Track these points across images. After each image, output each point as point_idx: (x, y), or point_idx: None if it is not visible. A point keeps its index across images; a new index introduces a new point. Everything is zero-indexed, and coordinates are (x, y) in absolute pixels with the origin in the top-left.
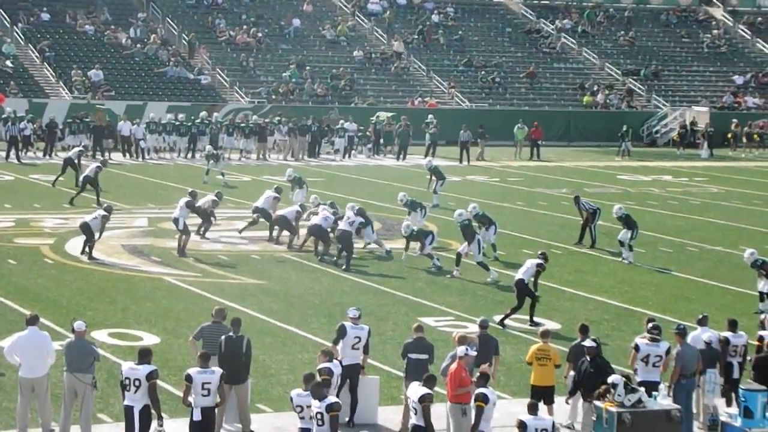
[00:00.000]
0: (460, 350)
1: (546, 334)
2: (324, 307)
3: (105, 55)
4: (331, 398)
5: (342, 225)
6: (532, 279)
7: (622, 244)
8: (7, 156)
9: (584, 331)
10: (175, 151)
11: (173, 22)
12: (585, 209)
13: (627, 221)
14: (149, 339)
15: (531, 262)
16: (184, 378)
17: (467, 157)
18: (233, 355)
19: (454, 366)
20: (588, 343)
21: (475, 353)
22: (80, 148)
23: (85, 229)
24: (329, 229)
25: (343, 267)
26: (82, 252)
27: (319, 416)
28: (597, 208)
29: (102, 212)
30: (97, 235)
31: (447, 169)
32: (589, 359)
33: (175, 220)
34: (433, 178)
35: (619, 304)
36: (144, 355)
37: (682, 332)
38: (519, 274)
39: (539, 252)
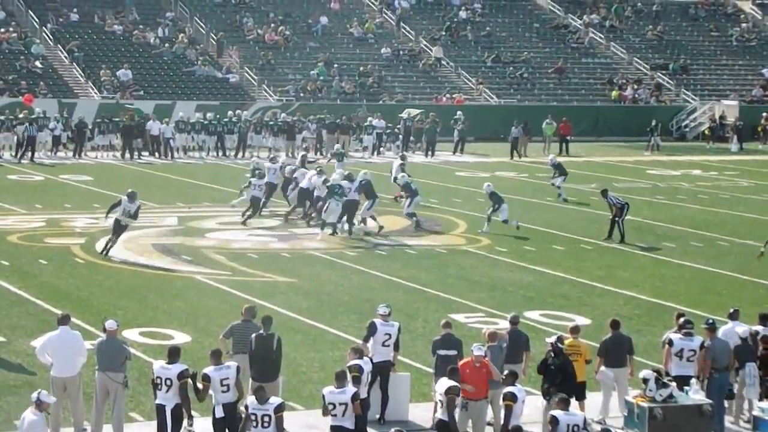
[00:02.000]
0: (474, 347)
1: (576, 330)
2: (354, 305)
3: (134, 55)
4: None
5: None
6: None
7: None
8: (21, 156)
9: (615, 326)
10: (204, 150)
11: (201, 21)
12: (613, 204)
13: (494, 198)
14: (180, 338)
15: None
16: (202, 378)
17: (519, 152)
18: (263, 352)
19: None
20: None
21: (481, 352)
22: None
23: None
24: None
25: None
26: (105, 251)
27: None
28: (625, 203)
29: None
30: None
31: (493, 165)
32: (553, 355)
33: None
34: (556, 173)
35: (650, 298)
36: (174, 354)
37: (711, 327)
38: None
39: None
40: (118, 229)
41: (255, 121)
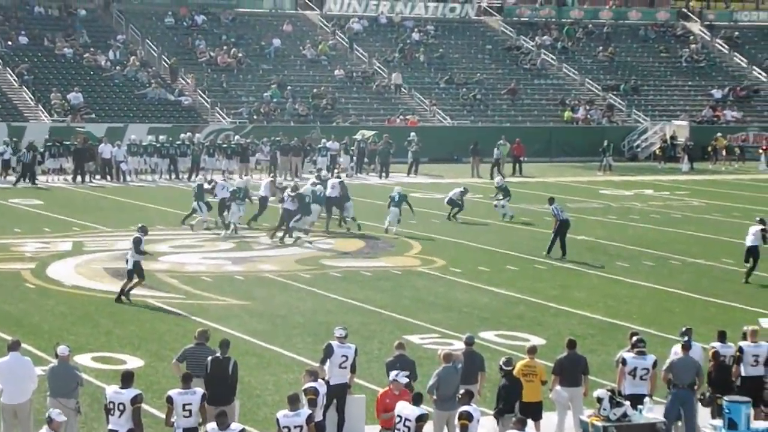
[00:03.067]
0: (391, 375)
1: (532, 350)
2: (309, 327)
3: (84, 78)
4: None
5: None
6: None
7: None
8: None
9: (572, 345)
10: (156, 173)
11: (153, 43)
12: (554, 214)
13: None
14: (133, 362)
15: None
16: (166, 400)
17: (501, 172)
18: (220, 376)
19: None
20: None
21: (405, 380)
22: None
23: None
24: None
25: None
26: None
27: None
28: (565, 219)
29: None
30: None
31: (448, 186)
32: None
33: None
34: (499, 194)
35: (603, 318)
36: (127, 379)
37: (687, 345)
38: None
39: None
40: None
41: (208, 144)
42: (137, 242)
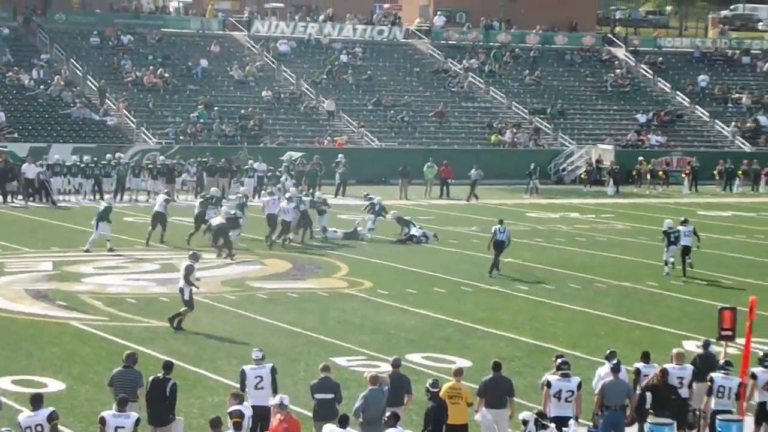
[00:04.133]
0: (275, 400)
1: (459, 373)
2: (235, 349)
3: (7, 97)
4: None
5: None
6: None
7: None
8: None
9: (497, 368)
10: (80, 194)
11: (78, 63)
12: (493, 232)
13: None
14: (54, 385)
15: None
16: (99, 421)
17: (474, 195)
18: (158, 396)
19: (275, 421)
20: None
21: (287, 405)
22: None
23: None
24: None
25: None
26: (177, 323)
27: None
28: (502, 240)
29: (187, 262)
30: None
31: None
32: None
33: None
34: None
35: (530, 340)
36: (37, 401)
37: (616, 367)
38: None
39: None
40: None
41: (133, 164)
42: (190, 270)
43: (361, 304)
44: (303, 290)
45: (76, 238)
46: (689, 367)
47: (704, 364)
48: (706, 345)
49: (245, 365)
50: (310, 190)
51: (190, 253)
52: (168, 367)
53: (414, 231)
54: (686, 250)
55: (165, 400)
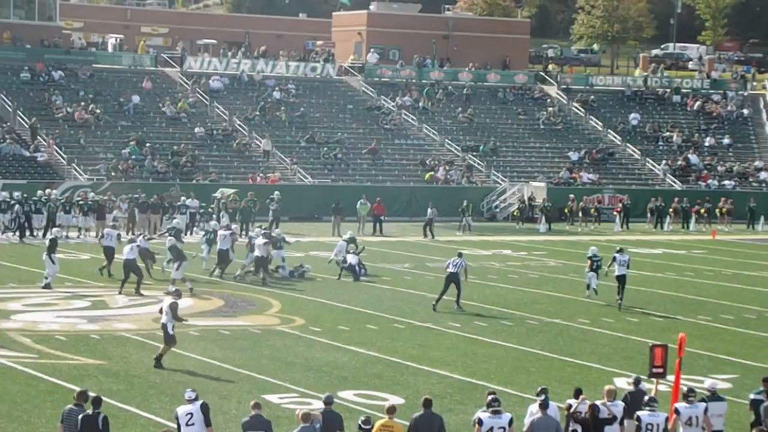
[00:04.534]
0: None
1: (391, 410)
2: (166, 387)
3: None
4: None
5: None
6: None
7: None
8: None
9: (427, 404)
10: (10, 230)
11: (8, 98)
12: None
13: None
14: None
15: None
16: None
17: (432, 232)
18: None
19: None
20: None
21: None
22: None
23: None
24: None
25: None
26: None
27: None
28: (453, 272)
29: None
30: None
31: (308, 245)
32: None
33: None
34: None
35: (462, 377)
36: None
37: (544, 404)
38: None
39: None
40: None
41: (64, 201)
42: (174, 307)
43: (293, 342)
44: (235, 327)
45: (4, 275)
46: (620, 404)
47: (635, 401)
48: (636, 382)
49: (178, 407)
50: (244, 227)
51: (173, 290)
52: (96, 402)
53: (351, 259)
54: (622, 279)
55: None
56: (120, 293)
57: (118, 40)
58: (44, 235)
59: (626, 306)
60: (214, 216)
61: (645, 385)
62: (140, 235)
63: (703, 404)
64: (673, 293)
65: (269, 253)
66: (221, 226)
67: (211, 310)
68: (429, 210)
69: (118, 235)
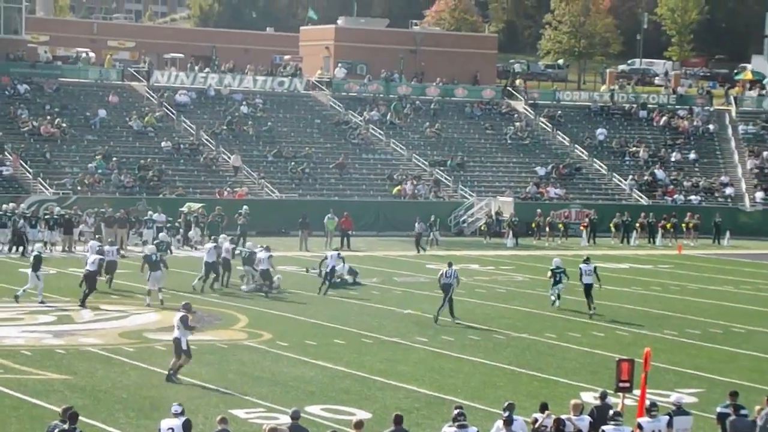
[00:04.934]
0: None
1: (359, 425)
2: (132, 401)
3: None
4: None
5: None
6: None
7: None
8: None
9: (398, 421)
10: None
11: None
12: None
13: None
14: None
15: None
16: None
17: (421, 248)
18: None
19: None
20: None
21: None
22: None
23: None
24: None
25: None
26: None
27: None
28: (446, 283)
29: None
30: None
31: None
32: None
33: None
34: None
35: (430, 392)
36: None
37: (508, 419)
38: None
39: None
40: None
41: (29, 215)
42: (186, 320)
43: (260, 356)
44: (202, 342)
45: None
46: (586, 418)
47: (601, 416)
48: (603, 396)
49: (163, 420)
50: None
51: (183, 303)
52: (73, 417)
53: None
54: (588, 288)
55: None
56: (83, 306)
57: (87, 53)
58: (10, 249)
59: (593, 320)
60: (182, 230)
61: (611, 400)
62: (116, 248)
63: (666, 418)
64: (639, 308)
65: (273, 266)
66: (212, 239)
67: None
68: (417, 225)
69: (118, 250)
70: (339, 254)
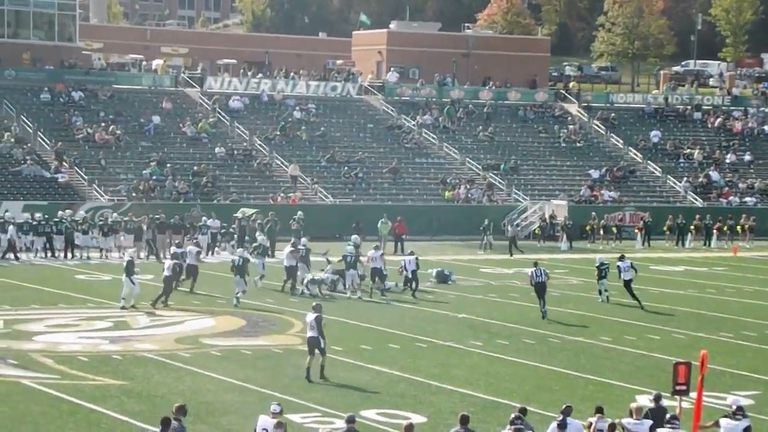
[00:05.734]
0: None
1: (410, 429)
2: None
3: None
4: None
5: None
6: None
7: None
8: None
9: (464, 421)
10: (32, 251)
11: (28, 119)
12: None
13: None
14: None
15: None
16: None
17: (518, 250)
18: None
19: None
20: None
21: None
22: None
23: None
24: None
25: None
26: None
27: None
28: (541, 281)
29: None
30: None
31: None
32: None
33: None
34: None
35: (484, 396)
36: None
37: (562, 424)
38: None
39: None
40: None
41: (81, 221)
42: (320, 320)
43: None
44: (256, 347)
45: (26, 296)
46: (647, 423)
47: (656, 418)
48: (657, 398)
49: (262, 414)
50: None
51: (314, 305)
52: (180, 411)
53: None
54: (628, 283)
55: None
56: (160, 306)
57: (153, 63)
58: (65, 256)
59: (648, 326)
60: (236, 237)
61: (666, 402)
62: (197, 251)
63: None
64: (695, 310)
65: (301, 262)
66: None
67: (233, 330)
68: (509, 227)
69: (198, 252)
70: (416, 257)
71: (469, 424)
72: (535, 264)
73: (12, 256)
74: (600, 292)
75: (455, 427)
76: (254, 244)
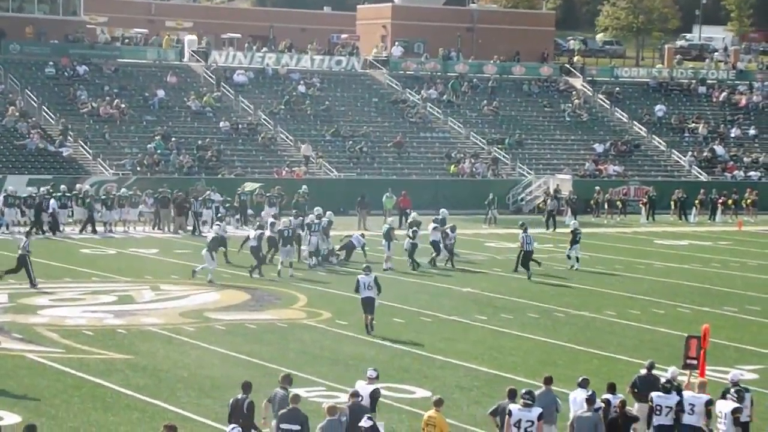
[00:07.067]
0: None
1: (439, 403)
2: (193, 381)
3: None
4: None
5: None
6: None
7: None
8: None
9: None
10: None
11: (32, 93)
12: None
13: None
14: (10, 418)
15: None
16: None
17: (553, 224)
18: (238, 415)
19: None
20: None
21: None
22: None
23: None
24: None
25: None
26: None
27: None
28: (529, 250)
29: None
30: None
31: (334, 238)
32: None
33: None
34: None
35: (489, 370)
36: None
37: (591, 398)
38: None
39: None
40: None
41: (104, 196)
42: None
43: (320, 335)
44: (261, 321)
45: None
46: (704, 397)
47: (647, 386)
48: (650, 367)
49: (358, 381)
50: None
51: (365, 266)
52: (246, 387)
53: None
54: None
55: (244, 418)
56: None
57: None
58: (81, 230)
59: (653, 298)
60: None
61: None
62: (272, 222)
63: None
64: (699, 284)
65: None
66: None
67: (238, 304)
68: (549, 202)
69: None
70: (437, 227)
71: (552, 384)
72: (525, 229)
73: (90, 228)
74: (569, 257)
75: (542, 389)
76: (259, 222)
